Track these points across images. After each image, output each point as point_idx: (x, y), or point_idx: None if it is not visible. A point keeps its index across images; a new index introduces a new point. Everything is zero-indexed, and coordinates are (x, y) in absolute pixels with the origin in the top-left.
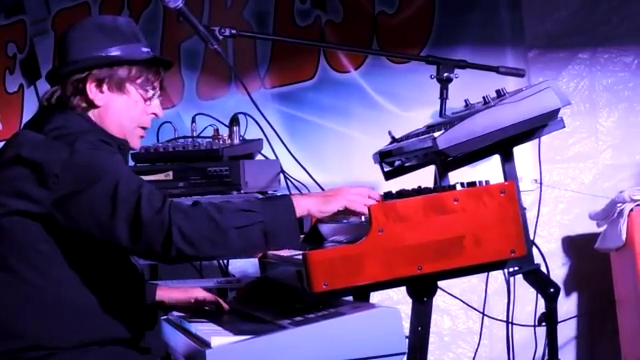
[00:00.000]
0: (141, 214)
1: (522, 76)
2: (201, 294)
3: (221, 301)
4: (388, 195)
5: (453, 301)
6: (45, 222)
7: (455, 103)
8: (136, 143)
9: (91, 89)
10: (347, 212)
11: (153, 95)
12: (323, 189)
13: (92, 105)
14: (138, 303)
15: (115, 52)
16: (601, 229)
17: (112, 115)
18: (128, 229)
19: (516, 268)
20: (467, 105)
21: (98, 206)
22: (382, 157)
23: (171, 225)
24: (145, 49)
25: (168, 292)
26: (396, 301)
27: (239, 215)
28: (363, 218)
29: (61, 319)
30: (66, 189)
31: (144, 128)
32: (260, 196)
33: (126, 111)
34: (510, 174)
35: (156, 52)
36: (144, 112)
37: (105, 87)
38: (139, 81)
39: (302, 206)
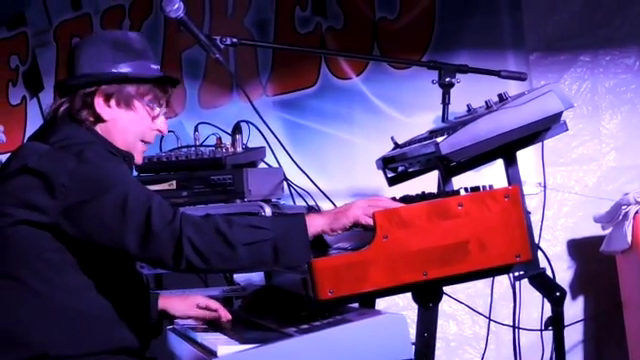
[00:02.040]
0: (152, 225)
1: (524, 80)
2: (203, 301)
3: (223, 307)
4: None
5: (459, 306)
6: (52, 231)
7: (457, 108)
8: (139, 158)
9: (99, 103)
10: (359, 226)
11: (159, 112)
12: (327, 196)
13: (99, 119)
14: (144, 312)
15: (125, 69)
16: (606, 232)
17: (118, 130)
18: (138, 239)
19: (521, 272)
20: (469, 110)
21: (108, 216)
22: (385, 163)
23: (182, 237)
24: (155, 66)
25: (170, 301)
26: (402, 307)
27: (249, 231)
28: None
29: (68, 328)
30: (74, 198)
31: (147, 143)
32: (265, 205)
33: (132, 127)
34: (514, 178)
35: (159, 64)
36: (149, 128)
37: (113, 102)
38: (147, 98)
39: (314, 225)
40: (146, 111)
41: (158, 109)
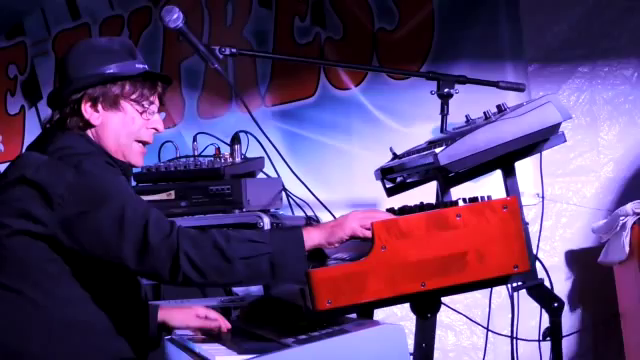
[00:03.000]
0: (149, 238)
1: (522, 90)
2: (202, 311)
3: (222, 317)
4: (390, 212)
5: (457, 317)
6: (49, 243)
7: (456, 118)
8: (137, 159)
9: (86, 109)
10: (355, 238)
11: (149, 109)
12: (325, 206)
13: (88, 125)
14: (142, 324)
15: (108, 70)
16: (604, 242)
17: (109, 133)
18: (135, 252)
19: (520, 283)
20: (468, 120)
21: (105, 228)
22: (384, 173)
23: (179, 251)
24: (140, 65)
25: (170, 312)
26: (400, 317)
27: (247, 245)
28: None
29: (67, 338)
30: (71, 210)
31: (144, 143)
32: (263, 215)
33: (123, 128)
34: (512, 189)
35: (146, 64)
36: (143, 127)
37: (100, 106)
38: (134, 96)
39: (311, 239)
40: (135, 110)
41: (148, 106)
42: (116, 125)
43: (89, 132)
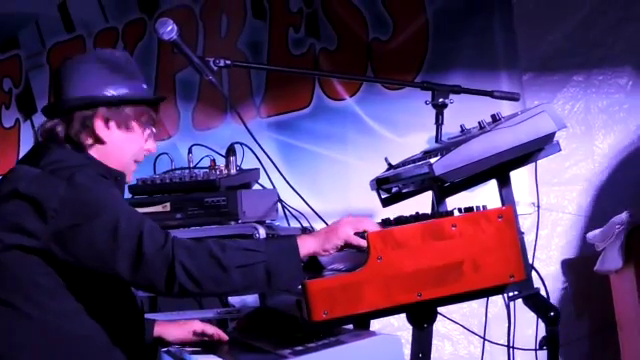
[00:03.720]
0: (144, 250)
1: (517, 100)
2: (199, 326)
3: (220, 332)
4: (386, 222)
5: (454, 326)
6: (43, 256)
7: (451, 128)
8: (130, 177)
9: (99, 126)
10: (349, 246)
11: (151, 131)
12: (321, 217)
13: (99, 141)
14: (137, 336)
15: (122, 90)
16: (600, 251)
17: (116, 151)
18: (130, 264)
19: (516, 292)
20: (463, 130)
21: (99, 240)
22: (379, 184)
23: (174, 262)
24: (144, 86)
25: (167, 328)
26: (397, 328)
27: (242, 254)
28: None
29: (62, 352)
30: (64, 223)
31: (138, 163)
32: (259, 226)
33: (129, 148)
34: (507, 198)
35: (151, 84)
36: (142, 148)
37: (112, 124)
38: (143, 119)
39: (307, 247)
40: (141, 132)
41: (152, 129)
42: (123, 144)
43: (95, 148)
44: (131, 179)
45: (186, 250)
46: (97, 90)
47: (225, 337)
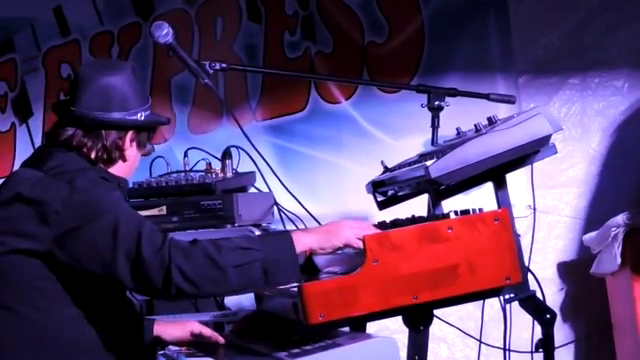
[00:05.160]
0: (142, 252)
1: (513, 102)
2: (197, 328)
3: (217, 335)
4: (382, 225)
5: (450, 329)
6: (45, 260)
7: (447, 131)
8: None
9: (127, 147)
10: (346, 246)
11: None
12: (317, 220)
13: (122, 159)
14: (137, 339)
15: (146, 112)
16: (596, 254)
17: (130, 167)
18: (129, 266)
19: (512, 295)
20: (459, 133)
21: (99, 243)
22: (375, 187)
23: (171, 264)
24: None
25: (165, 327)
26: (393, 330)
27: (238, 253)
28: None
29: (61, 356)
30: (67, 226)
31: None
32: (255, 229)
33: (135, 164)
34: (503, 201)
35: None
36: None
37: (134, 144)
38: (150, 137)
39: (302, 243)
40: (144, 150)
41: (149, 147)
42: (135, 161)
43: (118, 164)
44: None
45: (182, 252)
46: (129, 112)
47: (221, 339)
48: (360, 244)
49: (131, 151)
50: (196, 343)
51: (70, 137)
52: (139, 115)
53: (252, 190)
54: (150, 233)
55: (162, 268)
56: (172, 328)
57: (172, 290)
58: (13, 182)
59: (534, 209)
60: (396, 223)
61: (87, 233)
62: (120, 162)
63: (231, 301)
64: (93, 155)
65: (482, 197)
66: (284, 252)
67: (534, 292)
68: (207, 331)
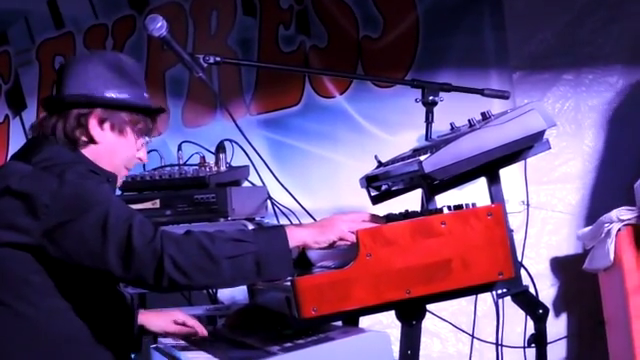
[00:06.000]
0: (133, 244)
1: (507, 98)
2: (181, 317)
3: (200, 325)
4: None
5: (442, 324)
6: (35, 253)
7: (441, 126)
8: (120, 182)
9: (93, 125)
10: (341, 240)
11: (144, 141)
12: (310, 214)
13: (91, 140)
14: (127, 333)
15: (123, 95)
16: (589, 249)
17: (107, 153)
18: (120, 258)
19: (504, 290)
20: (453, 128)
21: (89, 235)
22: (369, 181)
23: (163, 255)
24: (146, 95)
25: (148, 317)
26: (386, 325)
27: (231, 245)
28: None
29: (53, 349)
30: (56, 219)
31: (127, 169)
32: (248, 223)
33: (121, 152)
34: (497, 196)
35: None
36: (133, 156)
37: (106, 126)
38: (138, 126)
39: (297, 237)
40: (135, 139)
41: (146, 139)
42: (115, 147)
43: (89, 148)
44: (120, 183)
45: (175, 243)
46: (98, 90)
47: (204, 331)
48: (354, 238)
49: (103, 134)
50: (187, 337)
51: (47, 123)
52: (107, 94)
53: (246, 184)
54: (141, 225)
55: (154, 259)
56: (155, 317)
57: (164, 282)
58: (1, 175)
59: (527, 205)
60: (389, 218)
61: (77, 226)
62: (92, 146)
63: (224, 295)
64: (62, 135)
65: (476, 192)
66: (277, 246)
67: (527, 287)
68: (190, 321)
